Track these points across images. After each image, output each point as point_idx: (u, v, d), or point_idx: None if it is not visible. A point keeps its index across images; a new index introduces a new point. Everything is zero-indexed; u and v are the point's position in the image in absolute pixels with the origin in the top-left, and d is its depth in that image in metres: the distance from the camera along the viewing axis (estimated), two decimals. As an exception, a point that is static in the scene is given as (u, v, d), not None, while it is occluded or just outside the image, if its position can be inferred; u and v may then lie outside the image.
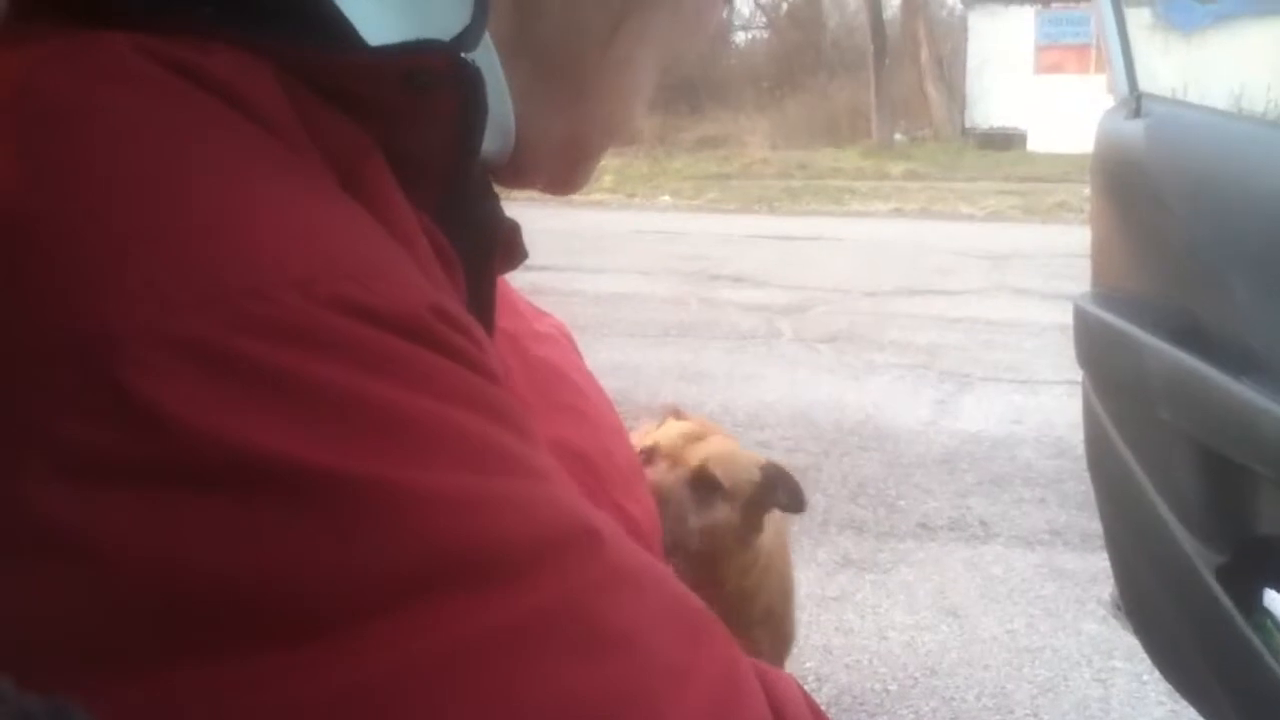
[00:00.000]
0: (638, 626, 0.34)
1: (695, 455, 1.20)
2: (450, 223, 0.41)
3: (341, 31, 0.37)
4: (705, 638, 0.37)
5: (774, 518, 1.35)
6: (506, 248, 0.50)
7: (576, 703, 0.31)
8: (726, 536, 1.20)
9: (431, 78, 0.37)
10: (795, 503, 1.26)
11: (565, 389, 0.64)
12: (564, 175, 0.51)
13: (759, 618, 1.32)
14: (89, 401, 0.27)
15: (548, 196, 0.56)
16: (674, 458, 1.19)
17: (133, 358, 0.28)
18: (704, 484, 1.20)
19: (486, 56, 0.42)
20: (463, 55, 0.38)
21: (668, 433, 1.23)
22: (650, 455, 1.19)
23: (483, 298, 0.46)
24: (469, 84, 0.38)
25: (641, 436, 1.24)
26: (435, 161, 0.40)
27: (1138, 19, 1.78)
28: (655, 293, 6.60)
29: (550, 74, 0.46)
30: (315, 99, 0.35)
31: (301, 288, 0.30)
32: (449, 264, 0.40)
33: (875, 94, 16.24)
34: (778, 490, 1.26)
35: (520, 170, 0.49)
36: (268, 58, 0.34)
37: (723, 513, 1.20)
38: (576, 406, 0.64)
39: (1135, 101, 1.57)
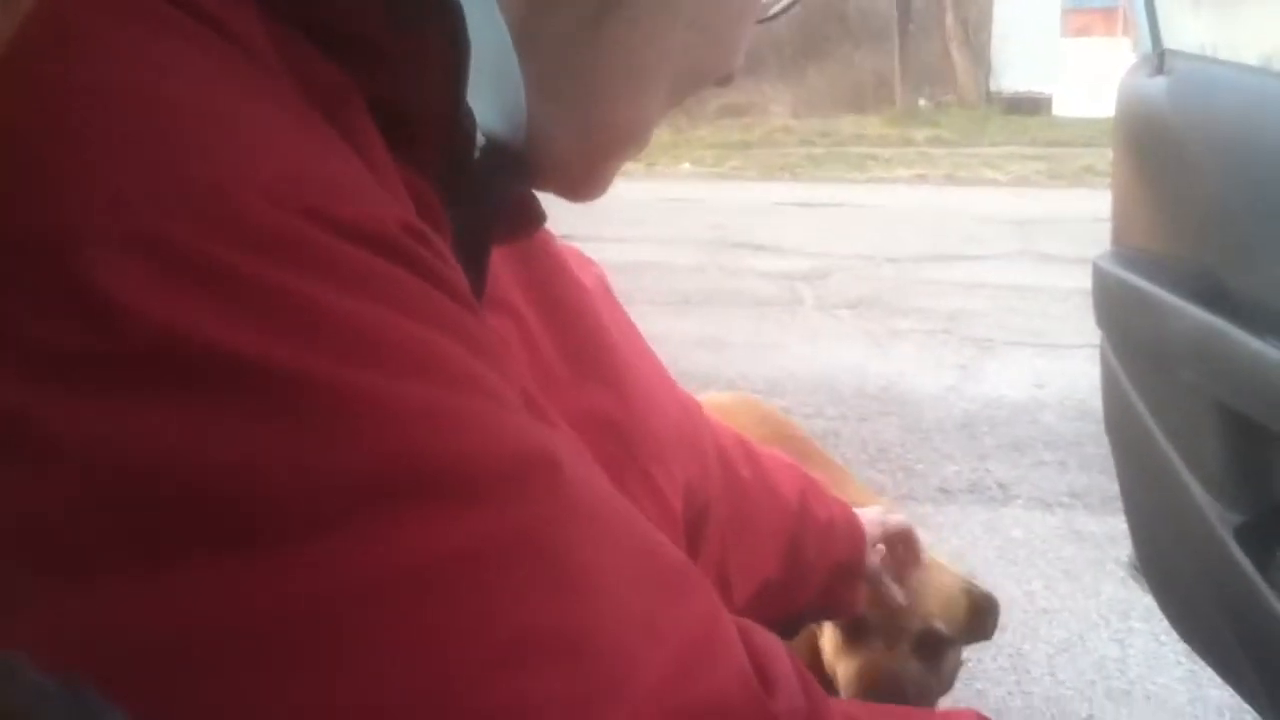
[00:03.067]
0: (600, 565, 0.33)
1: (909, 615, 1.07)
2: (449, 187, 0.40)
3: None
4: (679, 589, 0.37)
5: None
6: (517, 213, 0.49)
7: (533, 634, 0.30)
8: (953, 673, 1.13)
9: (414, 9, 0.36)
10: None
11: (603, 354, 0.63)
12: (579, 180, 0.51)
13: None
14: (48, 297, 0.28)
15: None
16: (889, 631, 1.06)
17: (90, 254, 0.28)
18: (931, 646, 1.08)
19: (483, 6, 0.41)
20: None
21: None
22: (862, 631, 1.07)
23: (477, 264, 0.45)
24: (451, 19, 0.37)
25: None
26: (427, 113, 0.39)
27: (1165, -24, 1.75)
28: (676, 261, 6.57)
29: (557, 71, 0.45)
30: (296, 35, 0.35)
31: (266, 193, 0.30)
32: (435, 222, 0.39)
33: (899, 60, 16.03)
34: (986, 618, 1.16)
35: (535, 171, 0.48)
36: None
37: (952, 661, 1.12)
38: (614, 372, 0.63)
39: (1158, 58, 1.54)
